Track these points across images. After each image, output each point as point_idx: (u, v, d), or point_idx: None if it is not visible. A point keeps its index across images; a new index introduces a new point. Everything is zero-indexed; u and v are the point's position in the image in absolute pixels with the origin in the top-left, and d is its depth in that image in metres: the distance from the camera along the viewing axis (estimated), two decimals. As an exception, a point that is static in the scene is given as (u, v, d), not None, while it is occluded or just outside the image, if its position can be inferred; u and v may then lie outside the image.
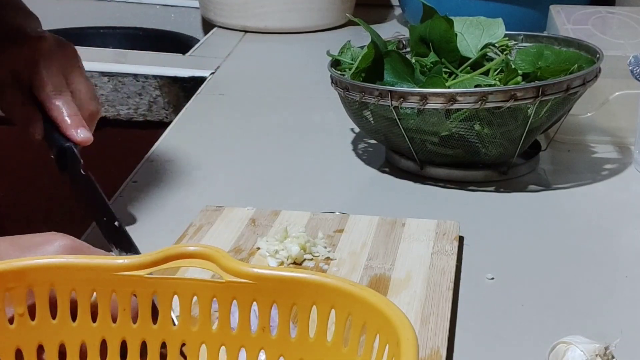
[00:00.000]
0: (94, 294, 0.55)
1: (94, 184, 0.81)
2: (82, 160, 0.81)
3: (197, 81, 1.36)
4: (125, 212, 0.91)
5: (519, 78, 0.96)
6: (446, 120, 0.93)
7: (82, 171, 0.81)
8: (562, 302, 0.76)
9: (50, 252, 0.61)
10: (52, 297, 0.55)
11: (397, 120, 0.94)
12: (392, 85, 0.96)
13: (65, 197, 0.84)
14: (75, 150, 0.81)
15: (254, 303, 0.54)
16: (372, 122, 0.99)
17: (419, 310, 0.70)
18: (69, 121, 0.82)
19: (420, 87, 0.95)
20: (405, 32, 1.12)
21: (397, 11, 1.79)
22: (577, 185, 0.99)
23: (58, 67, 0.84)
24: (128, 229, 0.87)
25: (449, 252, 0.80)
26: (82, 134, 0.82)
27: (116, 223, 0.78)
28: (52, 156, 0.83)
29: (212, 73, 1.38)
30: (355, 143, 1.11)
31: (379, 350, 0.50)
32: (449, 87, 0.95)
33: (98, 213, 0.79)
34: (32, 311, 0.55)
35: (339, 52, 1.07)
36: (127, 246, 0.78)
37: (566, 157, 1.07)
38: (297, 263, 0.78)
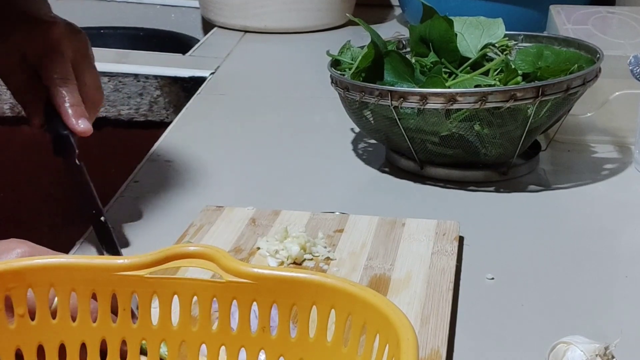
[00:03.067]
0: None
1: (86, 176, 0.81)
2: (77, 150, 0.82)
3: (197, 81, 1.36)
4: (125, 212, 0.91)
5: (519, 78, 0.96)
6: (446, 120, 0.93)
7: (76, 161, 0.81)
8: (562, 302, 0.76)
9: (9, 259, 0.61)
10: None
11: (397, 120, 0.94)
12: (392, 85, 0.96)
13: (66, 198, 0.84)
14: (72, 139, 0.82)
15: (254, 303, 0.54)
16: (372, 122, 0.99)
17: (419, 310, 0.70)
18: (70, 111, 0.82)
19: (420, 87, 0.95)
20: (405, 32, 1.12)
21: (397, 11, 1.79)
22: (577, 185, 0.99)
23: (67, 54, 0.83)
24: (128, 228, 0.87)
25: (449, 252, 0.80)
26: (82, 125, 0.82)
27: (102, 218, 0.80)
28: (51, 141, 0.83)
29: (212, 73, 1.39)
30: (355, 143, 1.11)
31: (379, 350, 0.50)
32: (449, 87, 0.95)
33: (86, 205, 0.80)
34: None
35: (339, 52, 1.07)
36: (110, 243, 0.79)
37: (566, 157, 1.07)
38: (297, 263, 0.78)
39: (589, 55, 1.01)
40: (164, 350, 0.57)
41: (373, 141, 1.09)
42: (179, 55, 1.51)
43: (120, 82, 1.36)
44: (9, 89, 0.86)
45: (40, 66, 0.83)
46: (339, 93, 1.01)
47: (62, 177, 0.82)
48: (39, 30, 0.83)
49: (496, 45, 1.04)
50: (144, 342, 0.56)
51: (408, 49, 1.09)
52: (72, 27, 0.86)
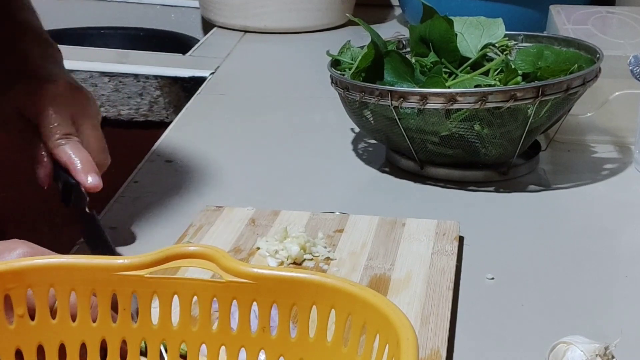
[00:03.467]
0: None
1: (98, 222, 0.80)
2: (87, 198, 0.79)
3: (197, 81, 1.36)
4: (125, 213, 0.91)
5: (519, 78, 0.96)
6: (446, 120, 0.93)
7: (87, 209, 0.79)
8: (562, 302, 0.76)
9: (10, 259, 0.61)
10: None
11: (397, 120, 0.94)
12: (392, 85, 0.96)
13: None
14: (81, 188, 0.79)
15: (254, 303, 0.54)
16: (372, 121, 0.99)
17: (419, 310, 0.70)
18: (79, 166, 0.79)
19: (420, 87, 0.95)
20: (405, 32, 1.12)
21: (397, 11, 1.79)
22: (577, 185, 0.99)
23: (67, 114, 0.81)
24: (128, 228, 0.87)
25: (449, 252, 0.80)
26: (91, 180, 0.79)
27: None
28: (60, 190, 0.82)
29: (212, 73, 1.39)
30: (355, 143, 1.11)
31: (379, 350, 0.50)
32: (449, 87, 0.95)
33: (99, 252, 0.77)
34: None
35: (339, 52, 1.07)
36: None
37: (566, 157, 1.07)
38: (297, 263, 0.78)
39: (589, 55, 1.01)
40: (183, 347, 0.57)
41: (373, 141, 1.09)
42: (179, 55, 1.51)
43: (120, 82, 1.36)
44: (9, 140, 0.84)
45: (40, 124, 0.80)
46: (339, 93, 1.01)
47: (73, 223, 0.81)
48: (37, 87, 0.81)
49: (496, 45, 1.04)
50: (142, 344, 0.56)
51: (408, 49, 1.08)
52: (73, 86, 0.84)
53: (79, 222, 0.80)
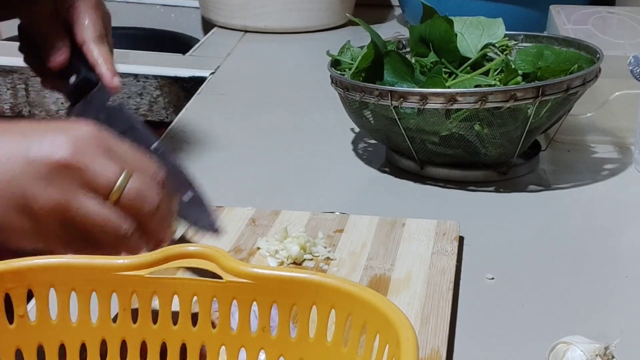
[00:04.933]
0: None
1: (127, 111, 0.80)
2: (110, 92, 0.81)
3: (197, 81, 1.36)
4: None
5: (519, 78, 0.96)
6: (446, 120, 0.93)
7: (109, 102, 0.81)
8: (562, 302, 0.76)
9: (78, 133, 0.61)
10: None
11: (397, 120, 0.94)
12: (392, 85, 0.96)
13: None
14: (104, 85, 0.81)
15: (254, 303, 0.54)
16: (372, 122, 0.99)
17: (419, 310, 0.70)
18: (107, 66, 0.82)
19: (420, 87, 0.95)
20: (405, 32, 1.12)
21: (397, 11, 1.79)
22: (577, 185, 0.99)
23: (100, 22, 0.85)
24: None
25: (449, 252, 0.80)
26: (116, 81, 0.82)
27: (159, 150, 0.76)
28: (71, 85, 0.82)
29: (212, 73, 1.38)
30: (355, 143, 1.11)
31: (379, 350, 0.50)
32: (449, 87, 0.95)
33: (143, 141, 0.74)
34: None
35: (339, 52, 1.07)
36: (173, 170, 0.75)
37: (566, 157, 1.07)
38: (297, 263, 0.78)
39: (589, 55, 1.01)
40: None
41: (373, 141, 1.09)
42: (179, 55, 1.51)
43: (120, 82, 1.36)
44: (29, 23, 0.86)
45: (76, 19, 0.84)
46: (339, 93, 1.01)
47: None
48: None
49: (496, 45, 1.04)
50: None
51: (408, 49, 1.08)
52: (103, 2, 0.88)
53: (93, 117, 0.79)
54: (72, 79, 0.82)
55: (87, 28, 0.84)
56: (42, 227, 0.61)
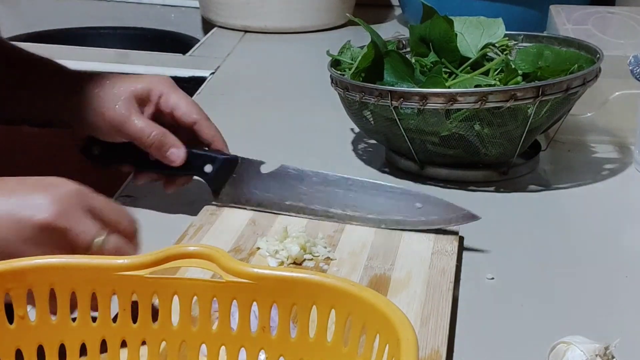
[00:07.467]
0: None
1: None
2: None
3: (197, 81, 1.36)
4: (125, 212, 0.91)
5: (519, 78, 0.96)
6: (446, 120, 0.93)
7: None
8: (562, 302, 0.76)
9: (60, 192, 0.64)
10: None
11: (397, 121, 0.94)
12: (392, 85, 0.96)
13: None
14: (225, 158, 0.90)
15: (254, 303, 0.54)
16: (372, 122, 0.99)
17: (419, 310, 0.70)
18: (221, 139, 0.91)
19: (420, 87, 0.95)
20: (405, 32, 1.12)
21: (397, 11, 1.79)
22: (577, 185, 0.99)
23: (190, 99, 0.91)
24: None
25: (449, 252, 0.80)
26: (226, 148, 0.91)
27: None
28: (205, 174, 0.89)
29: (212, 73, 1.38)
30: (355, 143, 1.11)
31: (379, 350, 0.50)
32: (449, 87, 0.95)
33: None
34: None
35: (339, 52, 1.07)
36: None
37: (566, 157, 1.07)
38: (297, 263, 0.78)
39: (589, 55, 1.01)
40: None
41: (373, 141, 1.09)
42: (179, 55, 1.51)
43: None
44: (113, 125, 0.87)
45: (171, 106, 0.89)
46: (339, 93, 1.01)
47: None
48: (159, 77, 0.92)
49: (496, 45, 1.04)
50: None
51: (408, 49, 1.08)
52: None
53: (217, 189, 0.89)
54: (208, 167, 0.88)
55: (190, 110, 0.90)
56: None
